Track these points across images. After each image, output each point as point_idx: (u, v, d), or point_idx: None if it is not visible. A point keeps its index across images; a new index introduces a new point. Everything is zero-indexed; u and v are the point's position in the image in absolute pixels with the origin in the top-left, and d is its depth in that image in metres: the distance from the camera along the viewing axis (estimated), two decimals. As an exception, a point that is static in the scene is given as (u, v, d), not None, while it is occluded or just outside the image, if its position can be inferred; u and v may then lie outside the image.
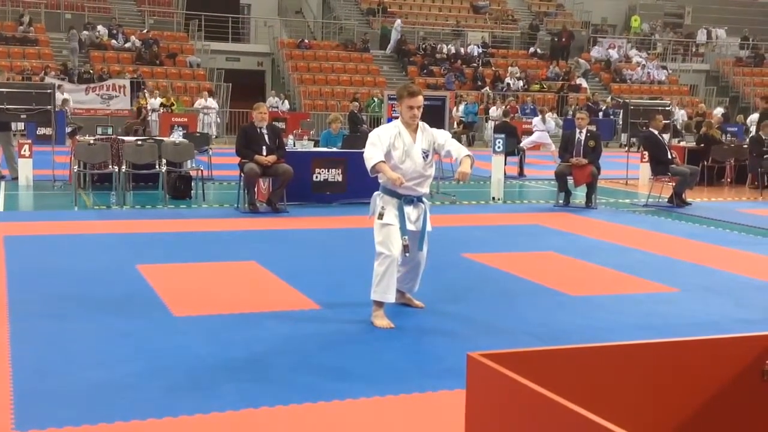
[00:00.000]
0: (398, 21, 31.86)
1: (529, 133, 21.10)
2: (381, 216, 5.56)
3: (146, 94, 23.74)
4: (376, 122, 24.11)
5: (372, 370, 4.74)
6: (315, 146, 12.86)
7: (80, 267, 7.28)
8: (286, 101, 26.99)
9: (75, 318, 5.66)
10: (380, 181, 5.65)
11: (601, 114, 27.47)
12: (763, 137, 14.64)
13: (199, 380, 4.47)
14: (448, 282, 6.93)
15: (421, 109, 5.65)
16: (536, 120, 21.02)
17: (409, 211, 5.61)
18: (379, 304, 5.63)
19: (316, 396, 4.24)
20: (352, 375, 4.63)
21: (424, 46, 31.38)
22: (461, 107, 26.53)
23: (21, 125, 15.92)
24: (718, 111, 26.82)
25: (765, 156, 14.46)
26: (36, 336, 5.25)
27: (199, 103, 24.71)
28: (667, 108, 16.90)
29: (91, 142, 12.31)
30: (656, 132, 12.78)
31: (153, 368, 4.64)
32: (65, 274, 7.00)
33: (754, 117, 21.43)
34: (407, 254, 5.62)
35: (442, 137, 5.76)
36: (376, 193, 5.71)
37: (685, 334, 4.99)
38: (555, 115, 21.92)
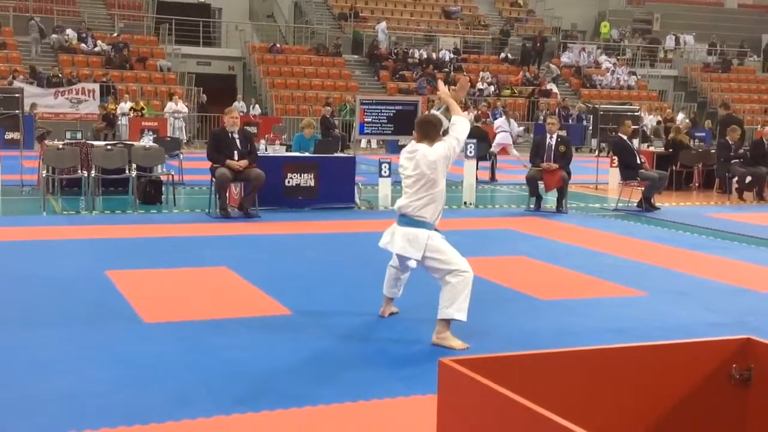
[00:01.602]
0: (383, 23, 31.98)
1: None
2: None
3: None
4: (348, 127, 24.11)
5: (344, 375, 4.74)
6: (287, 151, 12.84)
7: (49, 273, 7.21)
8: (257, 105, 26.90)
9: (43, 325, 5.60)
10: (426, 216, 5.41)
11: (571, 119, 27.69)
12: (730, 142, 14.83)
13: (169, 387, 4.44)
14: (420, 287, 6.93)
15: None
16: (500, 121, 21.06)
17: None
18: (449, 324, 5.34)
19: (288, 402, 4.23)
20: (324, 381, 4.62)
21: (396, 51, 31.44)
22: (433, 112, 26.56)
23: (-12, 130, 15.72)
24: (681, 117, 27.13)
25: (732, 161, 14.64)
26: (3, 344, 5.18)
27: (170, 107, 24.55)
28: (636, 113, 17.07)
29: (60, 146, 12.18)
30: (625, 137, 12.90)
31: (123, 375, 4.60)
32: (33, 280, 6.93)
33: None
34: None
35: None
36: (426, 232, 5.37)
37: (653, 338, 5.04)
38: (513, 121, 22.16)
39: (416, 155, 5.44)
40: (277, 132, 21.41)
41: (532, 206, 12.19)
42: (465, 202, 12.77)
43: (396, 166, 5.88)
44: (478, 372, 2.31)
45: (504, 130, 20.02)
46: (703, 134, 22.61)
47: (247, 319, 5.87)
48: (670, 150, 15.94)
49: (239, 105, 25.42)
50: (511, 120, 20.95)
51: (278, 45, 30.46)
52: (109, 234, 9.36)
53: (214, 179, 10.68)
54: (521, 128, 21.88)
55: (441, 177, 5.43)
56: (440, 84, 6.04)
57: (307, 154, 12.13)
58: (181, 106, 24.75)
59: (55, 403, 4.18)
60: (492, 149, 17.53)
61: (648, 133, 22.44)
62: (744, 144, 15.40)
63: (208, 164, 10.91)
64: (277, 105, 27.48)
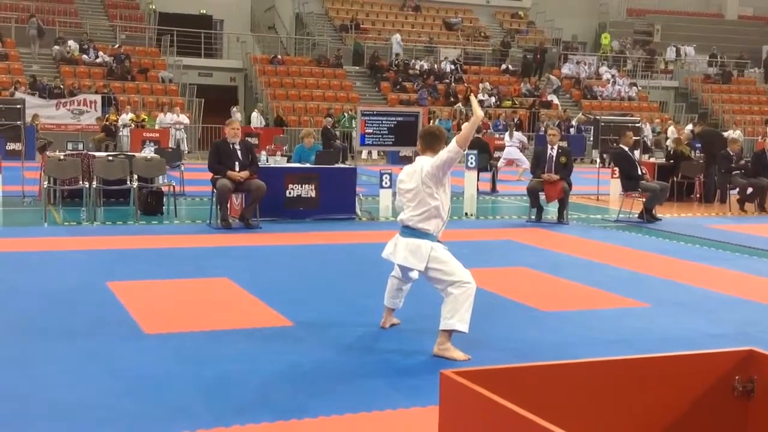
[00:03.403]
0: (397, 35, 32.17)
1: (502, 148, 21.29)
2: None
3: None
4: (349, 138, 24.13)
5: (345, 386, 4.72)
6: (288, 162, 12.84)
7: (50, 284, 7.20)
8: (260, 117, 26.94)
9: (43, 336, 5.59)
10: (429, 229, 5.39)
11: (572, 129, 27.74)
12: (731, 153, 14.84)
13: (169, 398, 4.42)
14: (421, 298, 6.92)
15: None
16: (506, 135, 21.22)
17: None
18: (451, 335, 5.32)
19: (288, 413, 4.21)
20: (325, 392, 4.60)
21: (396, 62, 31.52)
22: (435, 123, 26.65)
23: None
24: (689, 128, 27.18)
25: (734, 172, 14.65)
26: (2, 355, 5.17)
27: (171, 118, 24.57)
28: (636, 124, 17.08)
29: (62, 157, 12.19)
30: (626, 148, 12.90)
31: (122, 387, 4.58)
32: (34, 291, 6.92)
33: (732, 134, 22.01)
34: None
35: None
36: (430, 243, 5.36)
37: (655, 350, 5.03)
38: (519, 133, 22.26)
39: (416, 168, 5.47)
40: (278, 143, 21.44)
41: (533, 217, 12.18)
42: (466, 213, 12.76)
43: (397, 177, 5.87)
44: (480, 383, 2.30)
45: (509, 144, 20.18)
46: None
47: (248, 331, 5.86)
48: (671, 161, 15.95)
49: (238, 115, 25.36)
50: (515, 133, 21.06)
51: (279, 56, 30.55)
52: (110, 245, 9.35)
53: (215, 190, 10.68)
54: (524, 138, 22.12)
55: (438, 191, 5.38)
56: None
57: (308, 165, 12.14)
58: (183, 117, 24.78)
59: (55, 414, 4.16)
60: (498, 164, 17.62)
61: (649, 144, 22.43)
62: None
63: (209, 175, 10.91)
64: (279, 116, 27.51)
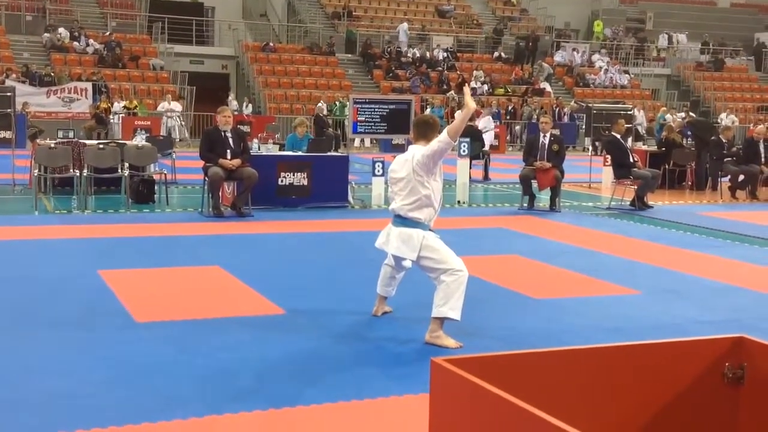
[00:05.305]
0: (404, 24, 32.10)
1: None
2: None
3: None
4: (341, 125, 24.09)
5: (337, 374, 4.72)
6: (280, 150, 12.82)
7: (41, 273, 7.18)
8: (250, 104, 26.87)
9: (35, 325, 5.57)
10: (421, 218, 5.37)
11: (564, 116, 27.74)
12: (724, 141, 14.88)
13: (161, 387, 4.42)
14: (414, 286, 6.93)
15: None
16: (484, 121, 21.13)
17: None
18: (442, 323, 5.32)
19: (280, 402, 4.21)
20: (317, 380, 4.61)
21: (389, 49, 31.44)
22: (428, 111, 26.60)
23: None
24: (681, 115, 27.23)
25: (725, 159, 14.68)
26: (-6, 343, 5.16)
27: (163, 106, 24.49)
28: (629, 112, 17.10)
29: (52, 145, 12.14)
30: (618, 136, 12.91)
31: (114, 376, 4.58)
32: (25, 280, 6.90)
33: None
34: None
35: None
36: (421, 232, 5.35)
37: (646, 337, 5.04)
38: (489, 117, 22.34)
39: (408, 157, 5.46)
40: (270, 131, 21.38)
41: (525, 205, 12.19)
42: (458, 201, 12.76)
43: (389, 164, 5.87)
44: (470, 371, 2.30)
45: (488, 129, 20.18)
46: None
47: (240, 319, 5.86)
48: (663, 149, 15.97)
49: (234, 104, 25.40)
50: (489, 118, 21.09)
51: (271, 44, 30.42)
52: (101, 233, 9.32)
53: (206, 178, 10.65)
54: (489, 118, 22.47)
55: (429, 180, 5.38)
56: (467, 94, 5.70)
57: (300, 153, 12.12)
58: (175, 105, 24.69)
59: (46, 403, 4.16)
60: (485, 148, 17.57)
61: (641, 131, 22.47)
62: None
63: (200, 163, 10.88)
64: (271, 104, 27.44)
